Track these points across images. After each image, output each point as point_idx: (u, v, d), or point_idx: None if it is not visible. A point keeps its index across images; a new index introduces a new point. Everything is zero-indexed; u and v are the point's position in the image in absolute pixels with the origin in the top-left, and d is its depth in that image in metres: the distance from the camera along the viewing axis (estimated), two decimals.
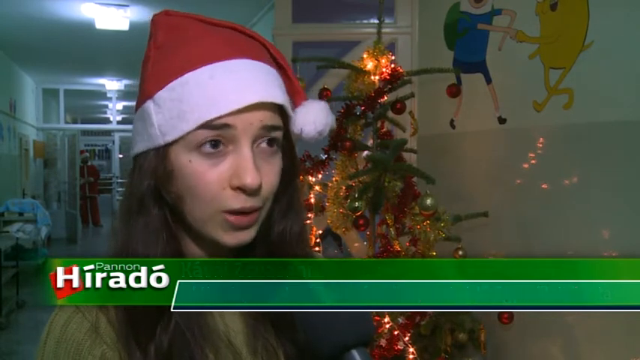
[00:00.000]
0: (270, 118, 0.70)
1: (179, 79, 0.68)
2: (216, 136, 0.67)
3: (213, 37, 0.71)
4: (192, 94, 0.67)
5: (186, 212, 0.71)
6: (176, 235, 0.74)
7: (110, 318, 0.72)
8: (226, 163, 0.69)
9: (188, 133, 0.67)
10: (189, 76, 0.68)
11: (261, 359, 0.76)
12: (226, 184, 0.68)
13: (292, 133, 0.75)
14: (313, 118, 0.75)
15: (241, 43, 0.72)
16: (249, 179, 0.67)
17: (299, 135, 0.75)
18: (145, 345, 0.69)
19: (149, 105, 0.70)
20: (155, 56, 0.72)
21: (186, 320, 0.71)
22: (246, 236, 0.72)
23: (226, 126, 0.67)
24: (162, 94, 0.69)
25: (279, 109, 0.71)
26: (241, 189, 0.68)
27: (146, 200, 0.71)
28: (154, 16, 0.75)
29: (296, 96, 0.75)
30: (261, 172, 0.69)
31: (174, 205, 0.72)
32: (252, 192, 0.68)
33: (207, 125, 0.67)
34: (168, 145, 0.69)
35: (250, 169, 0.67)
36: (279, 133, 0.72)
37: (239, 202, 0.69)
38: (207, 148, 0.68)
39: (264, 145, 0.70)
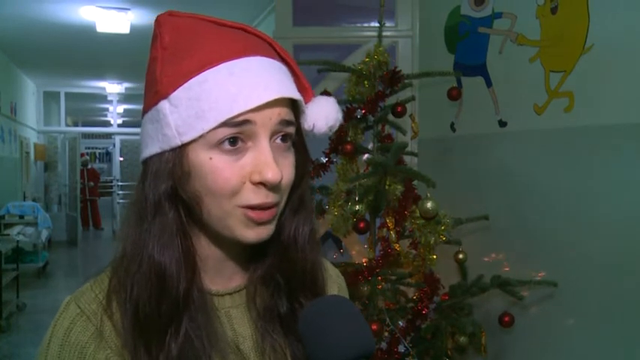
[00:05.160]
0: (286, 113, 0.70)
1: (196, 78, 0.67)
2: (236, 133, 0.67)
3: (225, 36, 0.71)
4: (211, 92, 0.66)
5: (204, 212, 0.70)
6: (190, 237, 0.73)
7: (115, 323, 0.71)
8: (247, 159, 0.68)
9: (208, 132, 0.66)
10: (207, 74, 0.67)
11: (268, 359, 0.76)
12: (246, 179, 0.68)
13: (303, 129, 0.76)
14: (325, 114, 0.75)
15: (252, 41, 0.72)
16: (271, 174, 0.67)
17: (310, 130, 0.75)
18: (155, 353, 0.69)
19: (164, 105, 0.69)
20: (163, 57, 0.70)
21: (196, 328, 0.71)
22: (267, 231, 0.71)
23: (247, 122, 0.67)
24: (178, 94, 0.68)
25: (292, 105, 0.72)
26: (262, 184, 0.68)
27: (163, 203, 0.70)
28: (158, 16, 0.74)
29: (304, 93, 0.75)
30: (279, 167, 0.69)
31: (191, 205, 0.71)
32: (273, 187, 0.69)
33: (227, 123, 0.66)
34: (185, 145, 0.68)
35: (271, 164, 0.67)
36: (292, 129, 0.72)
37: (259, 197, 0.69)
38: (227, 145, 0.67)
39: (278, 141, 0.71)
